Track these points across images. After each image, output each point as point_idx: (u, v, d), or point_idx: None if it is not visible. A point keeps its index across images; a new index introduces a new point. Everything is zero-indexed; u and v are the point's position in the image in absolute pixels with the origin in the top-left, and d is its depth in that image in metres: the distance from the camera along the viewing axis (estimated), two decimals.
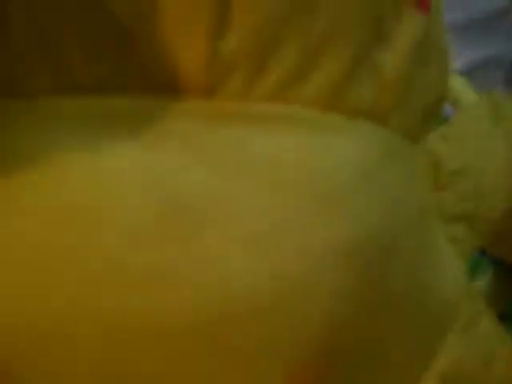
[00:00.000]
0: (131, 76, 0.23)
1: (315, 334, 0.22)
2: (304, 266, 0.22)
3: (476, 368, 0.29)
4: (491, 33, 0.90)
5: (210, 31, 0.22)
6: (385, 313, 0.25)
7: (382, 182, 0.25)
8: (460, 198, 0.32)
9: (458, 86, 0.71)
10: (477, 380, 0.28)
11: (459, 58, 0.79)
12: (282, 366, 0.21)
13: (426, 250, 0.28)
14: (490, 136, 0.35)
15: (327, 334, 0.22)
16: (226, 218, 0.21)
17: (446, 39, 0.31)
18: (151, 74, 0.23)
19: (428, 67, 0.28)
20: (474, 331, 0.29)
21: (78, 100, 0.23)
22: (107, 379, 0.21)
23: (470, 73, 0.80)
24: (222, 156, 0.22)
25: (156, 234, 0.21)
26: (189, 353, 0.21)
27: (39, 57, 0.22)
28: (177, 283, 0.21)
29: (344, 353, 0.23)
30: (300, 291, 0.22)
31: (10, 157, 0.22)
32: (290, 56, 0.23)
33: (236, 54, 0.23)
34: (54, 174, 0.21)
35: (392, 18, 0.26)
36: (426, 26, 0.27)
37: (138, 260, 0.21)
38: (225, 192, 0.22)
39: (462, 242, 0.31)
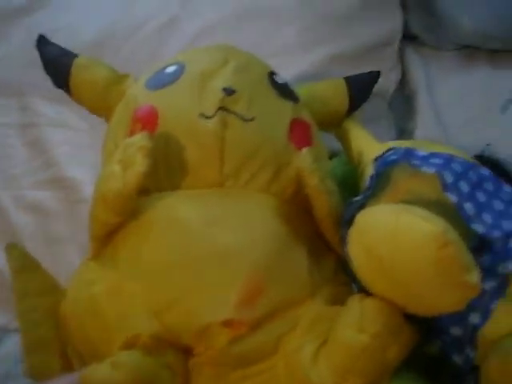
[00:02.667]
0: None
1: (258, 262, 0.58)
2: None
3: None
4: (375, 63, 0.87)
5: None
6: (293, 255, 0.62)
7: None
8: None
9: (362, 139, 0.71)
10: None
11: None
12: (246, 269, 0.58)
13: None
14: None
15: (262, 265, 0.58)
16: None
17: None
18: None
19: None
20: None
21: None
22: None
23: None
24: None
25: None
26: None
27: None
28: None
29: (271, 275, 0.58)
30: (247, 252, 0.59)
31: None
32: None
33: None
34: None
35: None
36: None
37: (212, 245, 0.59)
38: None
39: None
